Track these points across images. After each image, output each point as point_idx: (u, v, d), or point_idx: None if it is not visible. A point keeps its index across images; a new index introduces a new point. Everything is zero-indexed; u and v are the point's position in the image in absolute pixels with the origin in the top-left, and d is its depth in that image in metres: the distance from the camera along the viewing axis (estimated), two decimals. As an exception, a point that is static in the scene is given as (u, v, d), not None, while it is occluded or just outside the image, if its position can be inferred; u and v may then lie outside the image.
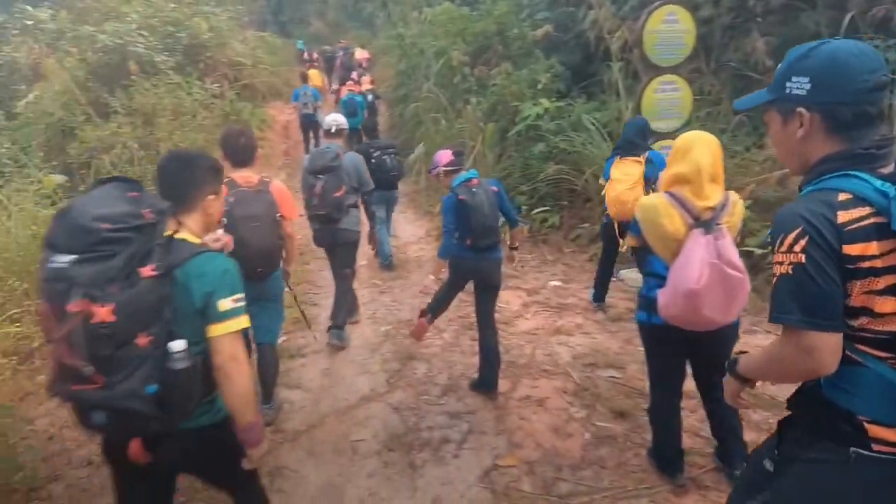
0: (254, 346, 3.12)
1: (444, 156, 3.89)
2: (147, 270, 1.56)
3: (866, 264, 1.20)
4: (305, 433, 3.50)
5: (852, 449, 1.25)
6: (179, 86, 9.51)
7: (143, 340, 1.55)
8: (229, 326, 1.71)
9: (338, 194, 4.34)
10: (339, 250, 4.65)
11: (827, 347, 1.21)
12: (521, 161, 7.63)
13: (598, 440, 3.25)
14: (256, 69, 14.11)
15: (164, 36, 10.26)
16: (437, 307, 3.93)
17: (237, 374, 1.71)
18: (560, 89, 8.40)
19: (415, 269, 6.40)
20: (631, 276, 5.51)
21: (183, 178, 1.88)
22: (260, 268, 3.13)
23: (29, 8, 9.36)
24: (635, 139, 4.57)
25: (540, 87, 8.20)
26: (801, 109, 1.31)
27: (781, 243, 1.25)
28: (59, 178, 6.43)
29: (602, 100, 7.98)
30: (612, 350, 4.24)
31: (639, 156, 4.49)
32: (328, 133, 4.85)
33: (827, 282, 1.19)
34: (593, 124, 7.00)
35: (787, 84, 1.33)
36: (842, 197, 1.22)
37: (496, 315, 3.97)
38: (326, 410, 3.74)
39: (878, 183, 1.21)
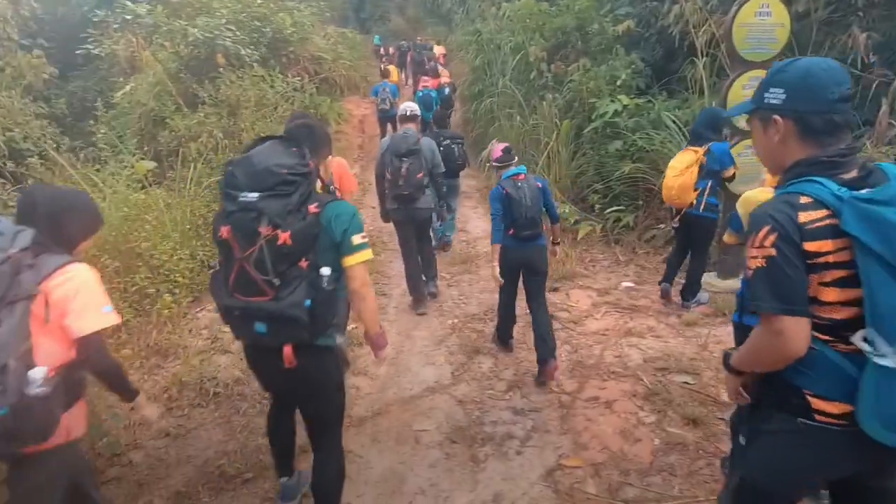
0: None
1: (495, 152, 4.19)
2: (312, 208, 1.99)
3: (821, 259, 1.35)
4: (370, 420, 3.55)
5: (800, 419, 1.45)
6: (263, 79, 9.85)
7: (304, 264, 1.96)
8: (361, 257, 2.10)
9: (420, 176, 4.77)
10: (417, 226, 5.10)
11: (798, 330, 1.37)
12: (596, 159, 7.43)
13: (668, 447, 3.11)
14: (336, 64, 14.43)
15: (250, 30, 10.65)
16: (503, 325, 4.26)
17: (369, 296, 2.18)
18: (639, 86, 8.12)
19: (483, 263, 6.35)
20: (708, 278, 5.25)
21: (311, 141, 2.30)
22: None
23: (129, 3, 9.93)
24: (703, 129, 4.58)
25: (619, 83, 7.96)
26: (776, 117, 1.47)
27: (754, 239, 1.41)
28: (150, 164, 6.79)
29: (684, 97, 7.65)
30: (685, 355, 4.05)
31: (700, 146, 4.51)
32: (403, 117, 5.19)
33: (795, 272, 1.36)
34: (674, 122, 6.71)
35: (766, 95, 1.50)
36: (803, 200, 1.37)
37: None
38: (391, 399, 3.78)
39: (836, 188, 1.35)
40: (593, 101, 7.84)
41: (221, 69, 8.97)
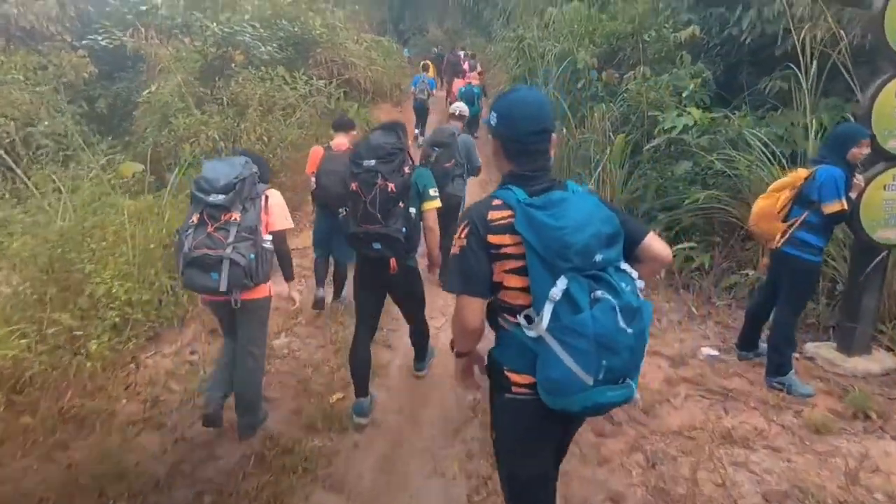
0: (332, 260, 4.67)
1: None
2: (406, 169, 2.97)
3: (503, 251, 1.53)
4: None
5: (506, 394, 1.61)
6: (285, 80, 8.66)
7: (401, 205, 2.94)
8: (432, 204, 3.11)
9: (448, 165, 4.99)
10: (445, 212, 4.92)
11: (472, 307, 1.58)
12: (658, 181, 5.95)
13: None
14: (368, 70, 13.25)
15: (275, 28, 9.49)
16: None
17: (435, 231, 3.16)
18: (703, 100, 6.63)
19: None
20: (826, 353, 3.73)
21: (403, 130, 3.13)
22: (335, 206, 3.67)
23: None
24: (825, 150, 3.46)
25: (685, 94, 6.49)
26: (491, 136, 1.70)
27: (458, 232, 1.59)
28: (135, 167, 5.60)
29: (760, 115, 6.12)
30: (827, 491, 2.55)
31: (810, 168, 3.41)
32: (452, 116, 5.68)
33: (477, 260, 1.55)
34: (763, 142, 5.19)
35: (491, 115, 1.67)
36: (496, 202, 1.57)
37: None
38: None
39: (523, 195, 1.54)
40: (655, 114, 6.38)
41: (234, 65, 7.77)
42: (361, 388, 3.15)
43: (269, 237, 2.81)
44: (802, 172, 3.42)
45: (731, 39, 8.18)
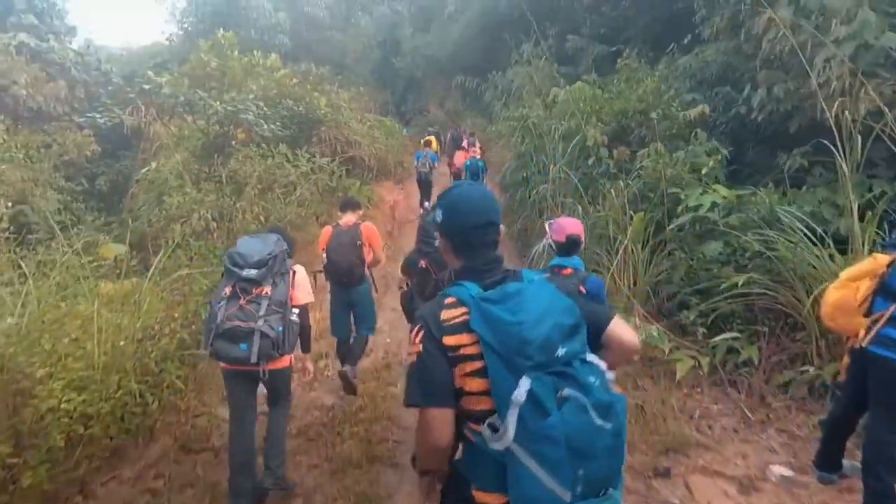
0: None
1: (557, 230, 3.00)
2: None
3: (461, 352, 1.38)
4: None
5: None
6: (286, 157, 8.34)
7: None
8: None
9: None
10: None
11: (441, 420, 1.39)
12: (686, 263, 5.41)
13: None
14: (371, 147, 13.12)
15: (280, 107, 9.30)
16: None
17: None
18: (718, 176, 6.25)
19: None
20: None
21: None
22: (345, 278, 4.22)
23: (150, 73, 8.71)
24: None
25: (704, 171, 6.09)
26: (437, 232, 1.66)
27: (412, 337, 1.47)
28: (119, 248, 5.08)
29: (783, 191, 5.68)
30: None
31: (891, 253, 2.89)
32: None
33: (436, 366, 1.39)
34: (801, 221, 4.70)
35: (436, 211, 1.62)
36: (448, 300, 1.46)
37: None
38: None
39: (476, 290, 1.44)
40: (675, 191, 5.94)
41: (234, 143, 7.44)
42: None
43: (296, 310, 2.95)
44: (882, 259, 2.88)
45: (739, 117, 7.98)
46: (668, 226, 5.78)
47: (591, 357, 1.42)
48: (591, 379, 1.35)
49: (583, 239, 2.94)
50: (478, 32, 21.37)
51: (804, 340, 4.33)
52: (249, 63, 9.98)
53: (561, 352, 1.35)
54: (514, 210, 9.97)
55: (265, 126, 8.10)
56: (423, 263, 3.14)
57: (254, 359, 2.68)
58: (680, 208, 5.65)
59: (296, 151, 8.73)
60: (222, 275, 2.93)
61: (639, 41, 13.61)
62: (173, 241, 5.06)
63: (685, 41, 10.28)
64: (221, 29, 10.03)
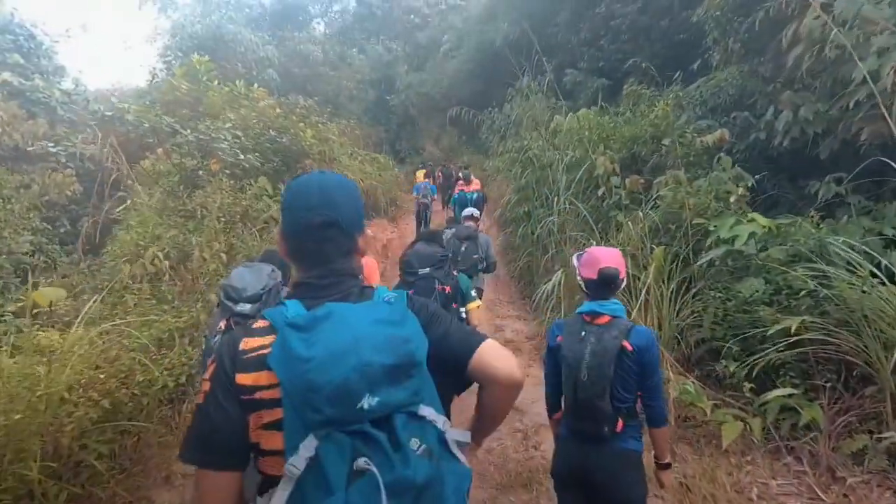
0: None
1: (586, 265, 2.29)
2: (454, 273, 3.53)
3: (256, 396, 1.04)
4: None
5: None
6: (266, 190, 7.69)
7: (455, 305, 3.34)
8: (475, 304, 3.63)
9: (475, 257, 5.28)
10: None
11: (215, 487, 1.04)
12: (717, 303, 4.69)
13: None
14: (362, 183, 12.56)
15: (262, 139, 8.72)
16: None
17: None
18: (742, 206, 5.62)
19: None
20: None
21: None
22: None
23: (114, 99, 8.13)
24: None
25: (732, 200, 5.46)
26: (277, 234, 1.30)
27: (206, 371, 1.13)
28: (58, 293, 4.34)
29: (815, 221, 5.03)
30: None
31: None
32: (468, 217, 5.93)
33: (220, 414, 1.04)
34: (862, 256, 4.01)
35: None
36: (259, 323, 1.12)
37: None
38: None
39: (296, 311, 1.10)
40: (701, 222, 5.28)
41: (201, 173, 6.79)
42: None
43: None
44: None
45: (758, 144, 7.45)
46: (695, 261, 5.10)
47: (426, 411, 1.09)
48: (412, 445, 1.03)
49: (623, 274, 2.22)
50: (473, 69, 21.24)
51: (877, 398, 3.58)
52: (230, 93, 9.47)
53: (369, 403, 1.03)
54: (516, 247, 9.31)
55: (241, 156, 7.48)
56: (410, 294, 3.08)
57: None
58: (709, 241, 4.98)
59: (278, 185, 8.09)
60: (217, 305, 2.83)
61: (639, 74, 13.26)
62: (120, 284, 4.35)
63: (694, 67, 9.87)
64: (196, 54, 9.59)
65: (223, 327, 2.64)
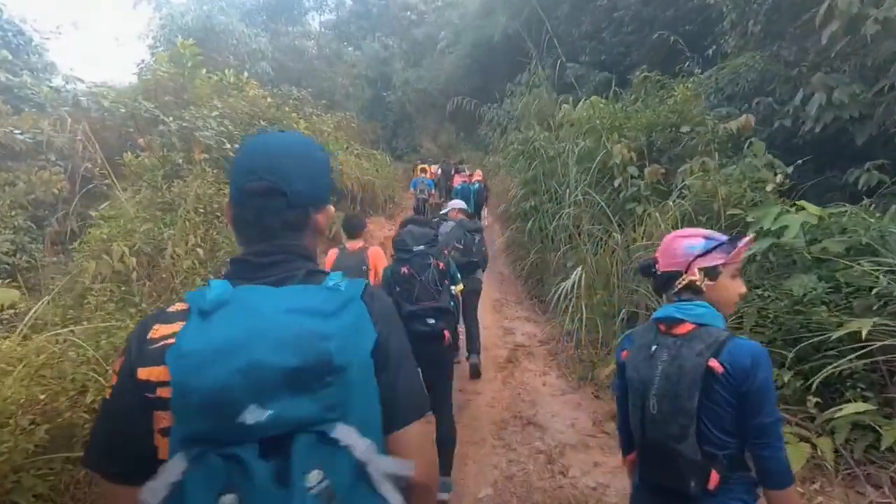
0: None
1: (675, 245, 1.67)
2: (446, 252, 3.66)
3: (160, 394, 0.84)
4: None
5: None
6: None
7: (447, 282, 3.27)
8: (460, 287, 3.74)
9: (484, 250, 5.27)
10: (472, 293, 5.09)
11: (113, 499, 0.87)
12: (775, 303, 4.10)
13: None
14: (359, 180, 11.96)
15: (249, 127, 8.08)
16: None
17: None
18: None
19: None
20: None
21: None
22: None
23: (80, 83, 7.47)
24: None
25: (769, 188, 4.89)
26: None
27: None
28: (11, 294, 3.74)
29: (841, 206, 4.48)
30: None
31: None
32: (460, 209, 5.91)
33: (119, 413, 0.88)
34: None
35: None
36: (175, 307, 0.93)
37: None
38: None
39: (217, 294, 0.87)
40: (736, 212, 4.71)
41: (180, 162, 6.15)
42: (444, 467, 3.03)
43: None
44: None
45: (783, 130, 6.92)
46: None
47: (343, 433, 0.81)
48: (315, 478, 0.76)
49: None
50: (471, 64, 20.68)
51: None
52: (219, 83, 8.83)
53: (254, 417, 0.77)
54: (522, 244, 8.72)
55: (227, 145, 6.85)
56: (405, 270, 3.15)
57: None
58: (750, 234, 4.39)
59: None
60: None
61: (645, 65, 12.73)
62: (81, 285, 3.74)
63: (707, 54, 9.33)
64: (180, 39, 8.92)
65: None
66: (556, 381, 4.81)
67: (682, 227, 5.04)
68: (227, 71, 9.23)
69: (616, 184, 6.39)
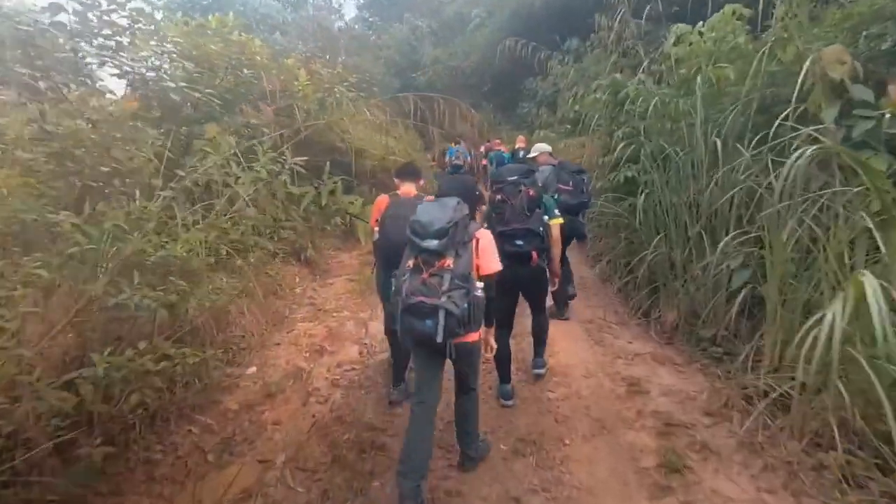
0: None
1: None
2: (539, 183, 4.03)
3: None
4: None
5: None
6: (237, 156, 4.36)
7: (538, 210, 3.31)
8: (558, 221, 3.47)
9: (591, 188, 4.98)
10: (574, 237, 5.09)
11: None
12: None
13: None
14: (384, 161, 9.24)
15: (228, 73, 5.38)
16: None
17: (558, 243, 3.50)
18: None
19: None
20: None
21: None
22: (396, 258, 2.98)
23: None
24: None
25: None
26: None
27: None
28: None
29: None
30: None
31: None
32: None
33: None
34: None
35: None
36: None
37: None
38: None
39: None
40: None
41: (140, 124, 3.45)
42: (505, 376, 3.44)
43: (481, 283, 2.50)
44: None
45: None
46: None
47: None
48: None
49: None
50: (509, 37, 17.68)
51: None
52: (199, 27, 6.18)
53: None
54: (615, 232, 5.82)
55: (173, 86, 4.16)
56: (499, 197, 3.27)
57: (440, 338, 2.34)
58: None
59: (255, 147, 4.71)
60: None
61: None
62: None
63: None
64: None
65: (411, 266, 2.46)
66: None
67: None
68: (209, 17, 6.56)
69: (830, 122, 3.40)
